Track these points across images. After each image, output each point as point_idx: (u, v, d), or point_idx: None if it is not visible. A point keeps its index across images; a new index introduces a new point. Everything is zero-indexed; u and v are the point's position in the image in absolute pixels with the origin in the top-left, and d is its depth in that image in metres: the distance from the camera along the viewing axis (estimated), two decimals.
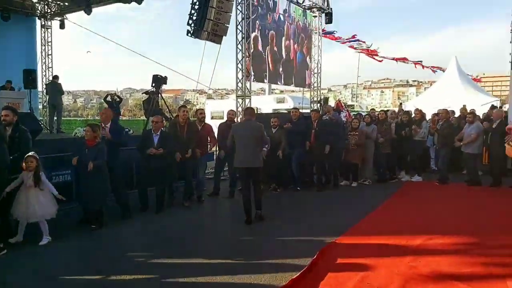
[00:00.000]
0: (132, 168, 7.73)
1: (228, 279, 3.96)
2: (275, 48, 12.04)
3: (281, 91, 30.98)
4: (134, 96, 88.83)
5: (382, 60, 23.45)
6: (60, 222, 5.56)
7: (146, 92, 11.71)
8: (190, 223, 6.33)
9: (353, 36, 21.12)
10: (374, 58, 22.88)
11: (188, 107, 8.81)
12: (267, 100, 18.89)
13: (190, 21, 10.68)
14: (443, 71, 23.53)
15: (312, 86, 14.21)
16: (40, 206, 4.99)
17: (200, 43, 11.03)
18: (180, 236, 5.51)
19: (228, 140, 6.39)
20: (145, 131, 7.10)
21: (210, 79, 13.32)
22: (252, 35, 10.66)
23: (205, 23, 10.48)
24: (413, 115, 10.04)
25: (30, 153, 5.03)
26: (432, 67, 26.15)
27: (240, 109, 10.81)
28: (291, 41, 12.84)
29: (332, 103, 15.93)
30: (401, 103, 17.75)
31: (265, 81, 12.13)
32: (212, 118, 18.56)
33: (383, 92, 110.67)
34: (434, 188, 8.75)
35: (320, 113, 9.68)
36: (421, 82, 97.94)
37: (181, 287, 3.83)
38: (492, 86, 77.32)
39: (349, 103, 30.06)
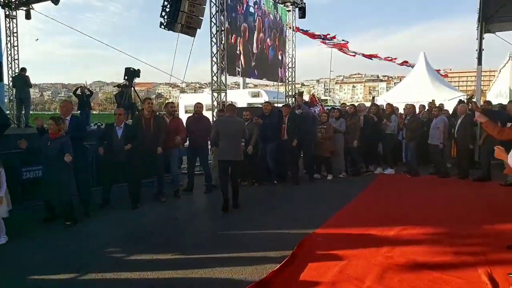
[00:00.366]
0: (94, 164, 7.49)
1: (207, 273, 3.95)
2: (248, 42, 11.99)
3: (256, 85, 31.04)
4: (105, 89, 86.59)
5: (355, 55, 23.77)
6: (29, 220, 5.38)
7: (119, 85, 11.44)
8: (167, 218, 6.24)
9: (326, 36, 21.24)
10: (346, 53, 23.16)
11: (153, 100, 8.75)
12: (242, 94, 18.88)
13: (163, 13, 10.44)
14: (412, 66, 24.14)
15: (287, 81, 14.27)
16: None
17: (173, 36, 10.85)
18: (156, 231, 5.43)
19: (212, 135, 6.60)
20: (107, 125, 6.89)
21: (184, 73, 13.12)
22: (224, 27, 10.56)
23: (179, 15, 10.26)
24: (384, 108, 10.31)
25: None
26: (403, 63, 26.75)
27: (215, 103, 10.75)
28: (264, 34, 12.80)
29: (306, 97, 16.01)
30: (373, 97, 18.11)
31: (238, 75, 12.06)
32: (186, 112, 18.37)
33: (354, 86, 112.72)
34: (406, 180, 8.99)
35: (294, 106, 9.79)
36: (391, 77, 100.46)
37: (159, 282, 3.78)
38: (459, 81, 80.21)
39: (323, 97, 30.43)
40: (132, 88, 11.15)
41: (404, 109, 10.81)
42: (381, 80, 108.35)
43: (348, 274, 3.84)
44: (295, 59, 14.32)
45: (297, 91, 14.61)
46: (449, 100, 15.50)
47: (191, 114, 8.21)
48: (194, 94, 32.76)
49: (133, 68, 10.94)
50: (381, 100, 16.56)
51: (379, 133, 9.65)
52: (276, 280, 3.73)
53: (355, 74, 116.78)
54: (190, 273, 3.96)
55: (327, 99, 27.65)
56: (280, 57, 13.84)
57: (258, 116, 8.61)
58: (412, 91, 17.80)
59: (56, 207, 5.67)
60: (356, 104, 12.33)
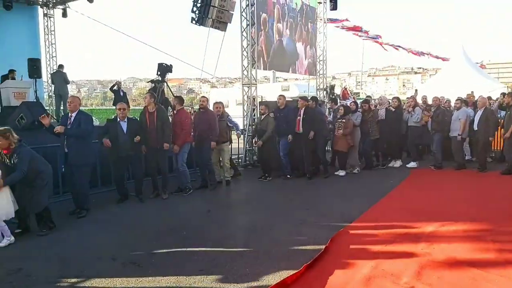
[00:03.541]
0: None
1: (240, 266, 3.95)
2: (276, 35, 11.89)
3: (285, 79, 30.81)
4: (138, 85, 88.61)
5: (398, 48, 23.09)
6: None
7: (152, 81, 11.62)
8: (199, 210, 6.32)
9: (357, 28, 20.75)
10: (381, 46, 22.55)
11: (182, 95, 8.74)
12: (272, 88, 18.75)
13: (194, 8, 10.51)
14: (448, 59, 23.28)
15: (318, 74, 14.07)
16: None
17: (204, 31, 10.91)
18: (188, 224, 5.50)
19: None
20: (108, 120, 6.80)
21: (215, 68, 13.19)
22: (255, 21, 10.51)
23: (210, 10, 10.32)
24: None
25: None
26: (437, 56, 25.79)
27: (245, 97, 10.76)
28: (286, 27, 12.62)
29: (338, 90, 15.75)
30: (416, 90, 17.55)
31: (264, 69, 11.97)
32: None
33: (387, 79, 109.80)
34: (442, 174, 8.69)
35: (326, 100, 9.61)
36: (426, 69, 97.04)
37: (193, 273, 3.82)
38: (498, 72, 76.56)
39: (355, 91, 29.86)
40: (165, 84, 11.30)
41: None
42: (416, 73, 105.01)
43: (384, 270, 3.74)
44: (326, 52, 14.11)
45: (328, 84, 14.39)
46: (489, 92, 14.83)
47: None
48: (224, 89, 32.99)
49: (165, 64, 11.06)
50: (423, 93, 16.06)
51: (399, 126, 9.40)
52: (309, 274, 3.69)
53: (388, 66, 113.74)
54: (224, 265, 3.98)
55: (359, 92, 27.11)
56: (303, 48, 13.59)
57: (274, 110, 8.52)
58: (449, 84, 17.18)
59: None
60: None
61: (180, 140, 7.06)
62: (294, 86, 19.00)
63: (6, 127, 4.97)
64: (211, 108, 8.32)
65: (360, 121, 9.08)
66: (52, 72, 14.08)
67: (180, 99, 7.61)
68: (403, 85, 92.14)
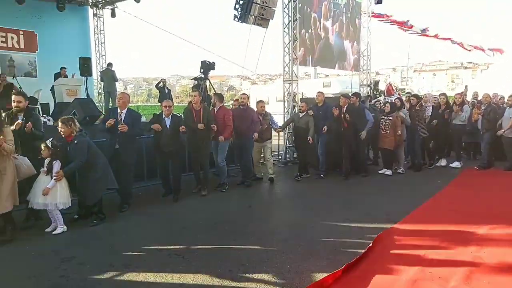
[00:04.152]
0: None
1: (281, 263, 3.96)
2: (319, 30, 11.74)
3: (327, 75, 30.34)
4: (181, 82, 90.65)
5: (454, 42, 21.99)
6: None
7: (195, 78, 11.86)
8: (240, 206, 6.39)
9: (402, 23, 19.95)
10: (458, 43, 21.49)
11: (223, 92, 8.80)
12: (313, 85, 18.54)
13: (237, 6, 10.61)
14: (501, 53, 21.89)
15: (361, 69, 13.75)
16: (48, 195, 4.89)
17: (246, 28, 10.97)
18: (231, 218, 5.58)
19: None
20: (156, 115, 6.86)
21: (256, 64, 13.25)
22: (297, 17, 10.43)
23: (252, 7, 10.36)
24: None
25: (47, 141, 5.03)
26: (492, 49, 24.28)
27: (286, 94, 10.73)
28: (333, 24, 12.41)
29: (382, 86, 15.32)
30: (466, 86, 16.72)
31: (307, 65, 11.86)
32: None
33: (435, 75, 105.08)
34: (493, 175, 8.23)
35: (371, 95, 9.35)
36: (477, 64, 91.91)
37: (236, 266, 3.88)
38: None
39: (400, 87, 28.88)
40: (208, 81, 11.49)
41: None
42: (466, 68, 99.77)
43: (431, 273, 3.61)
44: (370, 46, 13.76)
45: (372, 80, 14.02)
46: None
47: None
48: (264, 85, 33.03)
49: (208, 61, 11.26)
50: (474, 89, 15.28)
51: (446, 124, 8.99)
52: (351, 274, 3.64)
53: (436, 61, 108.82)
54: (265, 261, 4.01)
55: (404, 88, 26.19)
56: (350, 45, 13.33)
57: (312, 107, 8.38)
58: (502, 79, 16.19)
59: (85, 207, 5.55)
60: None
61: (226, 133, 7.12)
62: (336, 82, 18.68)
63: (69, 116, 5.36)
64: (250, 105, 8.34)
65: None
66: (101, 70, 14.73)
67: (220, 97, 7.71)
68: (452, 81, 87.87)
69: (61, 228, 5.01)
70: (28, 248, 4.48)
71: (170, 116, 6.51)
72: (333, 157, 8.50)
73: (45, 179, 4.95)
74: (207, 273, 3.76)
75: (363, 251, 4.05)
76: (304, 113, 8.11)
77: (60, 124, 5.13)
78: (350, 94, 9.08)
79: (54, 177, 4.91)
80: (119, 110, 5.99)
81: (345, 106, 8.10)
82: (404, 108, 8.97)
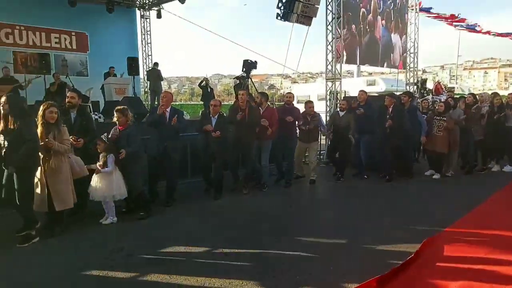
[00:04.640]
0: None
1: (324, 264, 3.90)
2: (367, 27, 11.46)
3: (370, 74, 29.61)
4: (222, 81, 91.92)
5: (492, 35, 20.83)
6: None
7: (237, 77, 11.97)
8: (282, 205, 6.37)
9: (452, 16, 19.05)
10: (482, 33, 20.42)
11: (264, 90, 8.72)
12: (357, 83, 18.14)
13: (280, 4, 10.59)
14: None
15: (408, 67, 13.29)
16: (106, 187, 5.17)
17: (287, 26, 10.92)
18: (273, 217, 5.57)
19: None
20: (203, 114, 6.97)
21: (297, 63, 13.14)
22: (341, 14, 10.26)
23: (295, 5, 10.31)
24: None
25: (102, 136, 5.29)
26: None
27: (329, 92, 10.57)
28: (376, 16, 12.06)
29: (430, 85, 14.73)
30: None
31: (357, 62, 11.64)
32: (298, 102, 18.44)
33: (486, 73, 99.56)
34: None
35: (417, 95, 8.99)
36: None
37: (277, 264, 3.87)
38: None
39: (449, 85, 27.57)
40: (250, 80, 11.56)
41: None
42: None
43: (482, 282, 3.41)
44: (417, 43, 13.27)
45: (419, 79, 13.51)
46: None
47: (303, 104, 8.11)
48: (305, 84, 32.77)
49: (250, 60, 11.33)
50: None
51: (499, 126, 8.36)
52: (398, 278, 3.52)
53: (488, 58, 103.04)
54: (307, 261, 3.98)
55: (454, 87, 24.99)
56: (397, 42, 12.92)
57: (353, 106, 8.15)
58: None
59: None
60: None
61: (273, 130, 7.06)
62: (381, 80, 18.15)
63: (124, 106, 5.63)
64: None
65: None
66: (148, 69, 15.22)
67: (266, 96, 7.70)
68: (505, 79, 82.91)
69: (111, 219, 5.25)
70: (81, 238, 4.73)
71: (216, 116, 6.58)
72: (376, 159, 8.25)
73: (101, 173, 5.20)
74: (249, 269, 3.78)
75: (410, 255, 3.91)
76: (345, 112, 7.92)
77: (116, 113, 5.41)
78: (396, 93, 8.77)
79: (119, 156, 5.18)
80: (163, 108, 6.13)
81: (391, 106, 7.77)
82: (456, 107, 8.53)
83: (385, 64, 12.61)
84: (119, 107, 5.57)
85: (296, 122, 7.45)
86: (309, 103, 7.87)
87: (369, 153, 8.10)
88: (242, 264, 3.94)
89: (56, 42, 13.89)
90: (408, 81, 13.26)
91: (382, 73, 21.11)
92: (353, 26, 10.96)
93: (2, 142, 4.41)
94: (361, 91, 8.43)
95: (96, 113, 9.13)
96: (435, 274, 3.62)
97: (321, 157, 10.35)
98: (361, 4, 11.18)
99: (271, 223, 5.26)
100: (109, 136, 5.36)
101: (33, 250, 4.38)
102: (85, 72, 14.57)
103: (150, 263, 4.01)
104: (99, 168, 5.19)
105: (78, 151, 5.26)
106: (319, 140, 8.68)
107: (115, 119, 5.47)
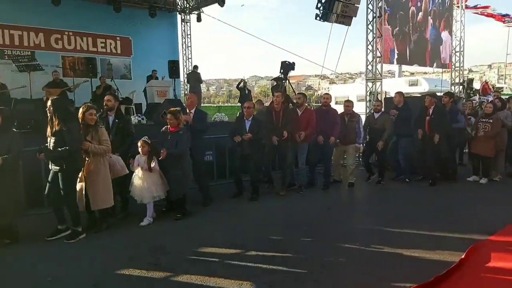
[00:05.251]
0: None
1: (362, 268, 3.83)
2: (417, 27, 11.14)
3: (413, 73, 28.62)
4: (259, 83, 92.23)
5: None
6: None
7: (275, 79, 11.98)
8: (319, 207, 6.31)
9: (502, 18, 18.04)
10: None
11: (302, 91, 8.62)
12: (398, 83, 17.61)
13: (319, 4, 10.50)
14: None
15: (454, 66, 12.76)
16: (148, 188, 5.32)
17: (324, 26, 10.81)
18: (310, 219, 5.53)
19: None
20: (237, 117, 6.91)
21: (336, 63, 12.97)
22: (382, 12, 10.04)
23: (334, 5, 10.19)
24: None
25: (143, 138, 5.42)
26: None
27: (369, 93, 10.36)
28: (426, 16, 11.68)
29: (477, 85, 14.05)
30: None
31: (395, 63, 11.34)
32: (336, 103, 18.19)
33: None
34: None
35: (463, 96, 8.60)
36: None
37: (315, 267, 3.84)
38: None
39: (497, 85, 26.19)
40: (287, 81, 11.54)
41: None
42: None
43: None
44: (463, 41, 12.71)
45: (465, 78, 12.94)
46: None
47: (341, 105, 7.95)
48: (343, 85, 32.21)
49: (288, 62, 11.29)
50: None
51: None
52: (440, 287, 3.39)
53: None
54: (346, 265, 3.93)
55: (502, 87, 23.71)
56: (448, 40, 12.46)
57: (391, 107, 7.91)
58: None
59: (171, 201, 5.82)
60: None
61: (309, 132, 6.94)
62: (423, 80, 17.52)
63: (177, 108, 5.77)
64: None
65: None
66: (188, 72, 15.56)
67: (305, 97, 7.62)
68: None
69: (148, 220, 5.39)
70: (123, 236, 4.93)
71: (250, 118, 6.56)
72: (415, 162, 7.99)
73: (145, 174, 5.37)
74: (289, 274, 3.77)
75: (454, 263, 3.76)
76: (380, 113, 7.69)
77: (169, 115, 5.55)
78: (438, 94, 8.44)
79: (160, 157, 5.29)
80: (187, 110, 6.27)
81: (431, 108, 7.46)
82: (505, 109, 8.09)
83: (435, 64, 12.21)
84: (172, 109, 5.67)
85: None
86: (347, 102, 7.70)
87: (407, 156, 7.84)
88: (280, 267, 3.94)
89: (102, 47, 14.51)
90: (453, 81, 12.73)
91: (425, 73, 20.41)
92: (390, 23, 10.70)
93: (49, 144, 4.63)
94: (397, 92, 8.19)
95: (139, 115, 9.44)
96: (480, 284, 3.46)
97: (360, 159, 10.15)
98: (410, 3, 10.88)
99: (308, 226, 5.22)
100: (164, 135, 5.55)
101: (80, 246, 4.62)
102: (128, 75, 15.11)
103: (188, 262, 4.11)
104: (147, 173, 5.34)
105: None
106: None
107: (168, 120, 5.62)
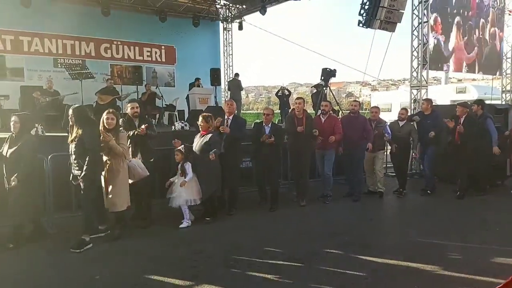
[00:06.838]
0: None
1: (410, 281, 3.71)
2: (460, 32, 10.74)
3: (460, 80, 27.47)
4: (298, 90, 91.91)
5: None
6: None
7: (315, 86, 11.92)
8: (361, 217, 6.18)
9: None
10: None
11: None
12: (445, 91, 16.97)
13: (362, 11, 10.35)
14: None
15: (504, 73, 12.13)
16: (181, 193, 5.49)
17: (365, 33, 10.62)
18: (350, 230, 5.43)
19: None
20: (256, 124, 6.80)
21: (379, 69, 12.71)
22: (432, 17, 9.75)
23: (378, 11, 10.01)
24: None
25: (180, 147, 5.61)
26: None
27: (413, 101, 10.06)
28: (479, 21, 11.22)
29: None
30: None
31: (444, 69, 10.96)
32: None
33: None
34: None
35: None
36: None
37: (349, 281, 3.76)
38: None
39: None
40: (328, 88, 11.45)
41: None
42: None
43: None
44: None
45: None
46: None
47: (384, 113, 7.77)
48: (386, 92, 31.46)
49: (329, 69, 11.21)
50: None
51: None
52: None
53: None
54: (391, 276, 3.82)
55: None
56: (497, 44, 11.90)
57: (418, 115, 7.59)
58: None
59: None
60: None
61: (338, 137, 6.73)
62: (472, 87, 16.76)
63: (209, 114, 6.00)
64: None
65: None
66: (229, 80, 15.81)
67: (331, 105, 7.48)
68: None
69: (186, 223, 5.53)
70: (164, 240, 5.05)
71: (269, 124, 6.48)
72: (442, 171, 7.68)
73: (180, 180, 5.55)
74: (327, 282, 3.73)
75: (507, 280, 3.54)
76: (404, 121, 7.40)
77: (201, 119, 5.80)
78: (487, 102, 8.03)
79: (210, 156, 5.48)
80: (226, 116, 6.38)
81: (463, 117, 7.03)
82: None
83: (497, 73, 11.74)
84: (204, 114, 5.93)
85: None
86: (373, 108, 7.53)
87: (434, 166, 7.52)
88: (320, 275, 3.90)
89: (147, 56, 15.10)
90: (504, 89, 12.08)
91: (474, 80, 19.55)
92: (442, 29, 10.37)
93: (70, 150, 4.81)
94: (424, 99, 7.89)
95: (182, 121, 9.70)
96: None
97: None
98: (470, 12, 10.53)
99: (350, 235, 5.14)
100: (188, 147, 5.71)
101: (120, 245, 4.80)
102: (172, 83, 15.61)
103: (228, 266, 4.15)
104: (182, 178, 5.52)
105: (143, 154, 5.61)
106: (385, 150, 8.18)
107: (199, 123, 5.85)
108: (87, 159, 4.66)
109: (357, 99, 7.68)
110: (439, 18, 10.49)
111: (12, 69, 12.02)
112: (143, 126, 5.49)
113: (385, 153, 7.86)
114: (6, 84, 9.96)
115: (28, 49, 12.60)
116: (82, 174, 4.65)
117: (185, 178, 5.54)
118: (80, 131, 4.68)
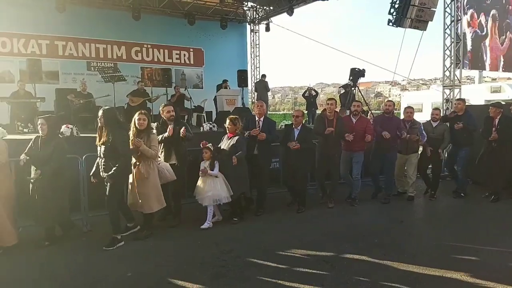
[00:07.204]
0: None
1: (440, 286, 3.61)
2: (495, 25, 10.37)
3: (494, 79, 26.41)
4: (325, 90, 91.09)
5: None
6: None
7: (343, 86, 11.81)
8: (391, 220, 6.07)
9: None
10: None
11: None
12: (479, 90, 16.37)
13: (392, 10, 10.18)
14: None
15: None
16: (210, 192, 5.48)
17: (393, 32, 10.43)
18: (380, 232, 5.34)
19: None
20: (287, 126, 6.73)
21: (410, 69, 12.43)
22: (468, 14, 9.45)
23: (409, 10, 9.82)
24: None
25: (209, 145, 5.63)
26: None
27: (446, 100, 9.80)
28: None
29: None
30: None
31: (480, 68, 10.60)
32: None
33: None
34: None
35: None
36: None
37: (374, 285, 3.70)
38: None
39: None
40: (357, 88, 11.32)
41: None
42: None
43: None
44: None
45: None
46: None
47: (416, 113, 7.49)
48: (417, 91, 30.66)
49: (358, 69, 11.08)
50: None
51: None
52: None
53: None
54: (421, 280, 3.74)
55: None
56: None
57: (449, 116, 7.33)
58: None
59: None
60: None
61: (371, 137, 6.59)
62: (507, 86, 16.06)
63: (236, 116, 6.01)
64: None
65: None
66: (256, 81, 15.87)
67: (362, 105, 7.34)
68: None
69: (207, 224, 5.54)
70: (193, 239, 5.11)
71: (299, 127, 6.41)
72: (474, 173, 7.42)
73: (208, 179, 5.58)
74: (356, 283, 3.69)
75: None
76: (437, 122, 7.15)
77: (228, 121, 5.85)
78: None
79: (234, 161, 5.55)
80: (257, 118, 6.31)
81: (497, 118, 6.77)
82: None
83: None
84: (231, 116, 5.95)
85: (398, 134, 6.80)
86: (407, 109, 7.28)
87: (467, 168, 7.26)
88: (348, 276, 3.86)
89: (176, 58, 15.39)
90: None
91: (509, 79, 18.77)
92: (478, 27, 10.04)
93: (100, 153, 4.87)
94: (458, 99, 7.59)
95: (210, 122, 9.83)
96: None
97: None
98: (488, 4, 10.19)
99: (380, 237, 5.06)
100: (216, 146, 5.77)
101: (148, 244, 4.91)
102: (200, 85, 15.82)
103: (256, 266, 4.18)
104: (207, 169, 5.54)
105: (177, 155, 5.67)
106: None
107: (226, 125, 5.89)
108: (119, 163, 4.72)
109: (390, 99, 7.37)
110: (475, 14, 10.16)
111: (48, 73, 12.49)
112: (182, 129, 5.54)
113: (418, 156, 7.61)
114: (42, 87, 10.36)
115: (63, 53, 13.12)
116: (110, 173, 4.71)
117: (212, 170, 5.55)
118: (111, 136, 4.71)
